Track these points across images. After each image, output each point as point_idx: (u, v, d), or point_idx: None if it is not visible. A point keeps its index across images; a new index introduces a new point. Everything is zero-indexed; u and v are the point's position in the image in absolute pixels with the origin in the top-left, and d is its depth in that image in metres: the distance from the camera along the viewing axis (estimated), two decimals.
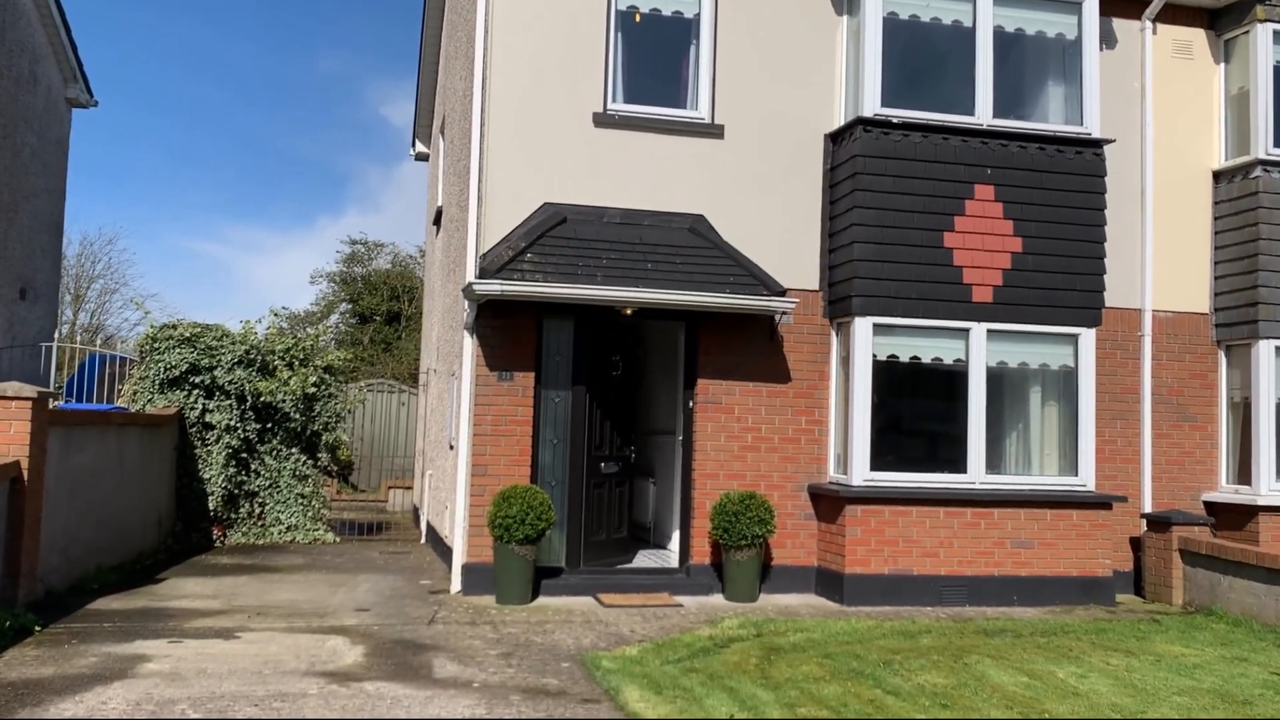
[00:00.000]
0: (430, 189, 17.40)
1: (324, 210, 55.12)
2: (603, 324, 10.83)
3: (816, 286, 10.99)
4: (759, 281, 10.30)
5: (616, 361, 11.13)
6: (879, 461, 10.48)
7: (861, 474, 10.38)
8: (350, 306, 28.38)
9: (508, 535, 9.61)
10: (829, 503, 10.60)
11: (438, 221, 15.37)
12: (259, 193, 49.22)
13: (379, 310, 27.54)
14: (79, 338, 28.02)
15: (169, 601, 9.34)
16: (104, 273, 31.25)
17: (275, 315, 15.07)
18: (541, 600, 9.91)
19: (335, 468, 14.65)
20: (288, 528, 14.21)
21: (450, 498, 11.56)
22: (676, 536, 12.23)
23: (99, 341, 28.18)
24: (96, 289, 31.73)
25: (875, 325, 10.54)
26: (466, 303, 10.20)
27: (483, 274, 9.70)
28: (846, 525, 10.30)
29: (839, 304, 10.76)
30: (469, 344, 10.42)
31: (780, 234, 10.86)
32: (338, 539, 14.36)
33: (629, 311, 10.30)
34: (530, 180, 10.38)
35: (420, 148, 17.84)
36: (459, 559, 10.26)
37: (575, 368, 10.52)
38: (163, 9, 48.37)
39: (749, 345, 10.79)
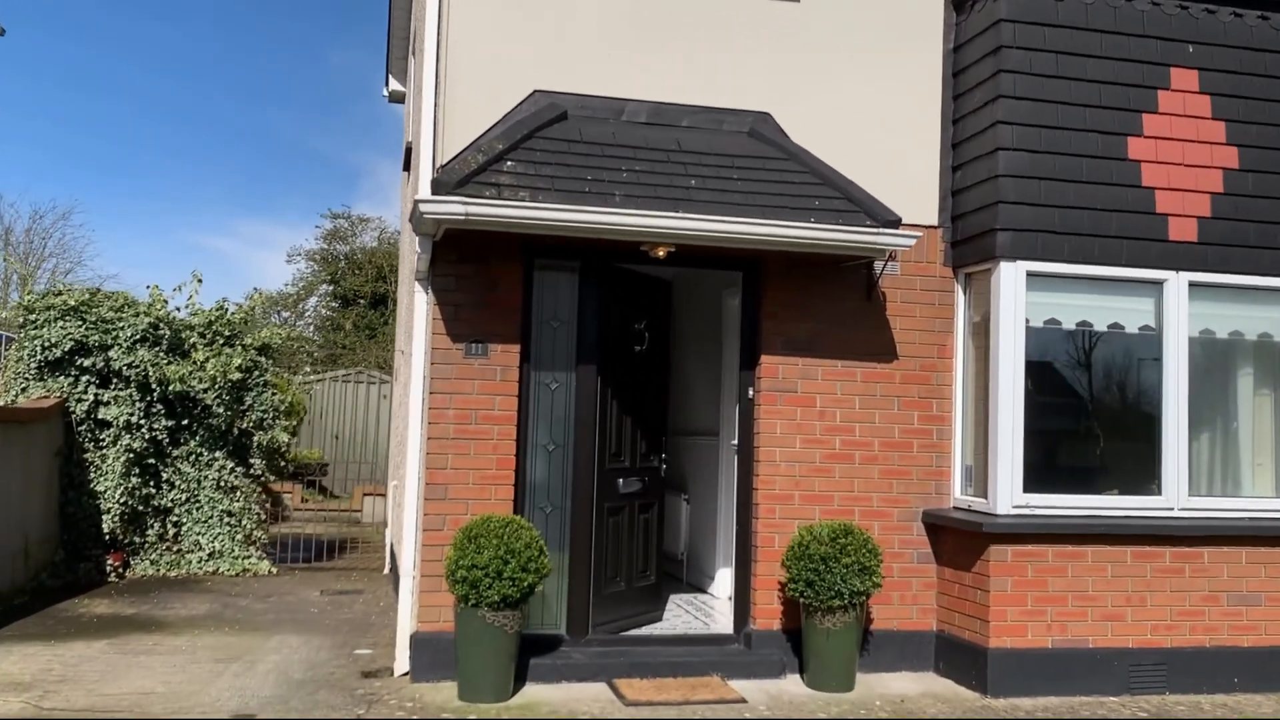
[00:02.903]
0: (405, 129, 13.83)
1: (335, 205, 51.92)
2: (621, 276, 7.24)
3: (934, 220, 7.33)
4: (858, 206, 6.65)
5: (641, 331, 7.51)
6: (1034, 479, 6.87)
7: (1010, 498, 6.75)
8: (331, 288, 24.70)
9: (476, 595, 6.02)
10: (958, 539, 6.98)
11: (407, 165, 11.74)
12: (269, 188, 45.98)
13: (363, 292, 23.82)
14: None
15: None
16: (56, 251, 27.57)
17: (250, 298, 11.42)
18: (530, 692, 6.29)
19: (271, 477, 11.02)
20: (209, 555, 10.60)
21: (401, 530, 7.95)
22: (723, 577, 8.56)
23: None
24: (48, 269, 28.08)
25: (1030, 275, 6.88)
26: (419, 241, 6.61)
27: (438, 188, 6.10)
28: (991, 575, 6.67)
29: (971, 244, 7.12)
30: (422, 303, 6.80)
31: (880, 142, 7.18)
32: (274, 569, 10.74)
33: (661, 253, 6.65)
34: (516, 57, 6.75)
35: (395, 85, 14.26)
36: (406, 625, 6.65)
37: (581, 339, 6.92)
38: (172, 9, 45.12)
39: (836, 307, 7.15)
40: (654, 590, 7.62)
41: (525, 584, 6.00)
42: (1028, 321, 6.86)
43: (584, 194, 6.20)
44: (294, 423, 16.73)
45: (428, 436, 6.55)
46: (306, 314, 25.04)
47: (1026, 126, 6.88)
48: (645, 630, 7.31)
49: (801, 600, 6.53)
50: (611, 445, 7.10)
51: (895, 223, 6.54)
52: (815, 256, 6.86)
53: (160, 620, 8.18)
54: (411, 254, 7.35)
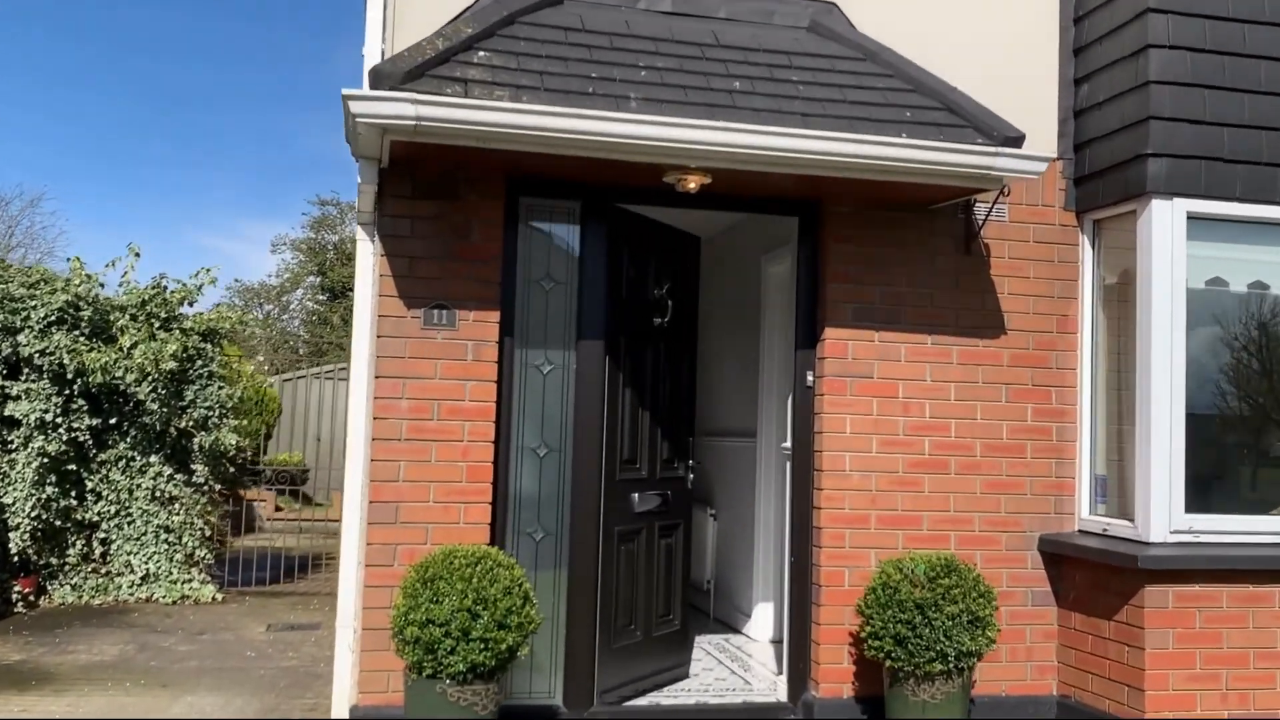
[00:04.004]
0: None
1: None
2: (637, 225, 5.42)
3: (1051, 150, 5.51)
4: (964, 119, 4.80)
5: (662, 299, 5.67)
6: (1197, 496, 5.01)
7: (1166, 520, 4.90)
8: (319, 280, 22.77)
9: (433, 664, 4.19)
10: (1093, 575, 5.10)
11: None
12: (276, 189, 44.18)
13: (353, 284, 21.91)
14: None
15: None
16: (25, 241, 25.64)
17: (196, 276, 9.45)
18: None
19: (216, 485, 9.16)
20: (142, 578, 8.76)
21: (340, 566, 6.09)
22: (763, 615, 6.70)
23: None
24: (14, 260, 26.04)
25: (1190, 217, 5.07)
26: (360, 168, 4.77)
27: (379, 80, 4.26)
28: (1146, 625, 4.81)
29: (1106, 179, 5.24)
30: (366, 255, 4.97)
31: (973, 46, 5.35)
32: (219, 595, 8.89)
33: (693, 184, 4.79)
34: None
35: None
36: (344, 695, 4.78)
37: (584, 306, 5.07)
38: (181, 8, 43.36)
39: (924, 265, 5.30)
40: (679, 639, 5.75)
41: (503, 647, 4.15)
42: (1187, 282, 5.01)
43: (587, 95, 4.34)
44: (267, 422, 14.90)
45: (372, 437, 4.70)
46: (292, 307, 23.14)
47: (1187, 16, 5.00)
48: (669, 695, 5.45)
49: (891, 662, 4.67)
50: (623, 448, 5.26)
51: (1017, 140, 4.66)
52: (897, 194, 5.00)
53: (48, 671, 6.33)
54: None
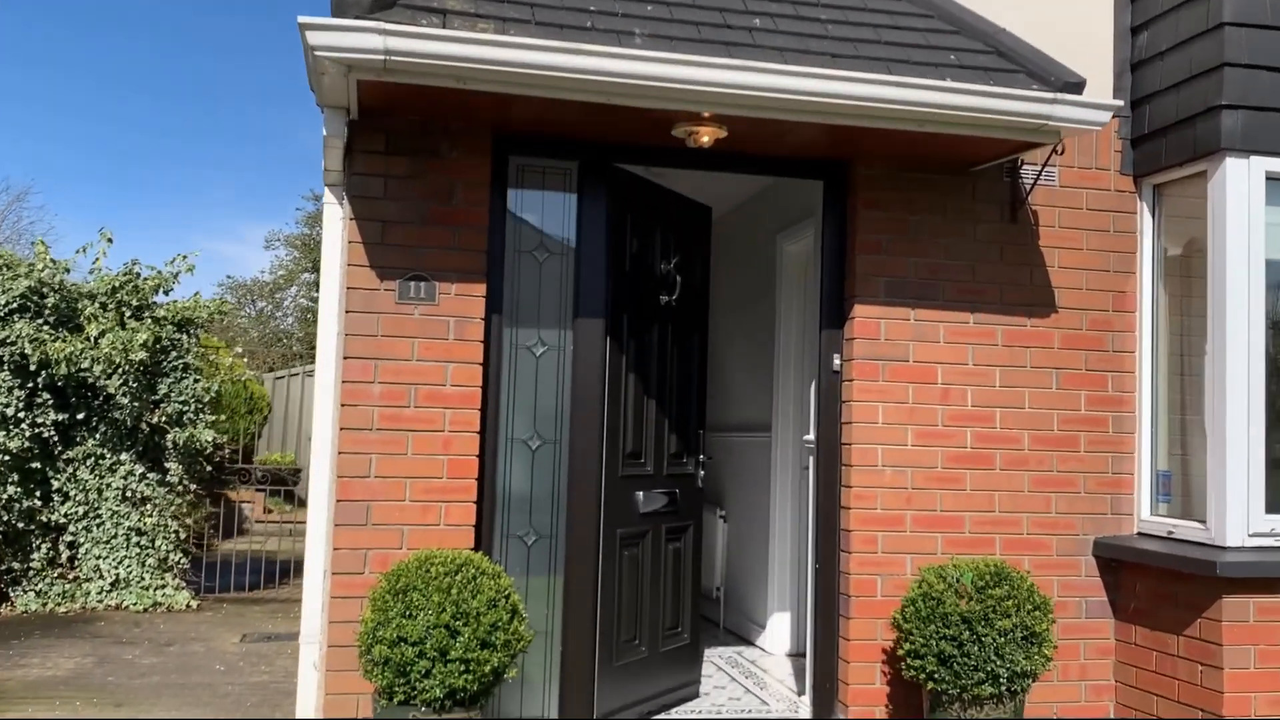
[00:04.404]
0: None
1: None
2: (642, 190, 4.82)
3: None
4: (1015, 63, 4.20)
5: (670, 274, 5.07)
6: (1278, 495, 4.42)
7: (1244, 521, 4.28)
8: (313, 276, 22.14)
9: (405, 688, 3.58)
10: (1158, 584, 4.45)
11: None
12: (273, 187, 43.47)
13: None
14: None
15: None
16: (12, 237, 24.90)
17: (173, 262, 8.79)
18: None
19: (191, 485, 8.55)
20: (112, 584, 8.17)
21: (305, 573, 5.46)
22: (779, 625, 6.09)
23: None
24: None
25: (1271, 177, 4.44)
26: (325, 118, 4.18)
27: (343, 8, 3.66)
28: (1225, 641, 4.18)
29: (1171, 137, 4.58)
30: (335, 219, 4.37)
31: None
32: (195, 602, 8.29)
33: (705, 138, 4.18)
34: None
35: None
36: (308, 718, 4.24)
37: (582, 279, 4.43)
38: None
39: (964, 233, 4.66)
40: (688, 654, 5.13)
41: (487, 669, 3.55)
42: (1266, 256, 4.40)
43: (585, 30, 3.75)
44: (256, 421, 14.32)
45: (340, 426, 4.10)
46: (285, 304, 22.51)
47: None
48: (678, 715, 4.84)
49: (929, 684, 4.06)
50: (627, 441, 4.65)
51: (1077, 86, 4.05)
52: (936, 152, 4.40)
53: None
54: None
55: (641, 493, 4.70)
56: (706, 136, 4.11)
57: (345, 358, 4.10)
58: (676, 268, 4.99)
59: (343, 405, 4.08)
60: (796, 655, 6.03)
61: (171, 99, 36.93)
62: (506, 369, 4.36)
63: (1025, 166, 4.65)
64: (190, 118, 37.02)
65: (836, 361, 4.62)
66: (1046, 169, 4.63)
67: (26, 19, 34.36)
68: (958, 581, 4.04)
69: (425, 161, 4.19)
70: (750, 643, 6.41)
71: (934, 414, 4.56)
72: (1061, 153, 4.50)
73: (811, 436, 4.84)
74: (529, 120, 4.16)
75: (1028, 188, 4.65)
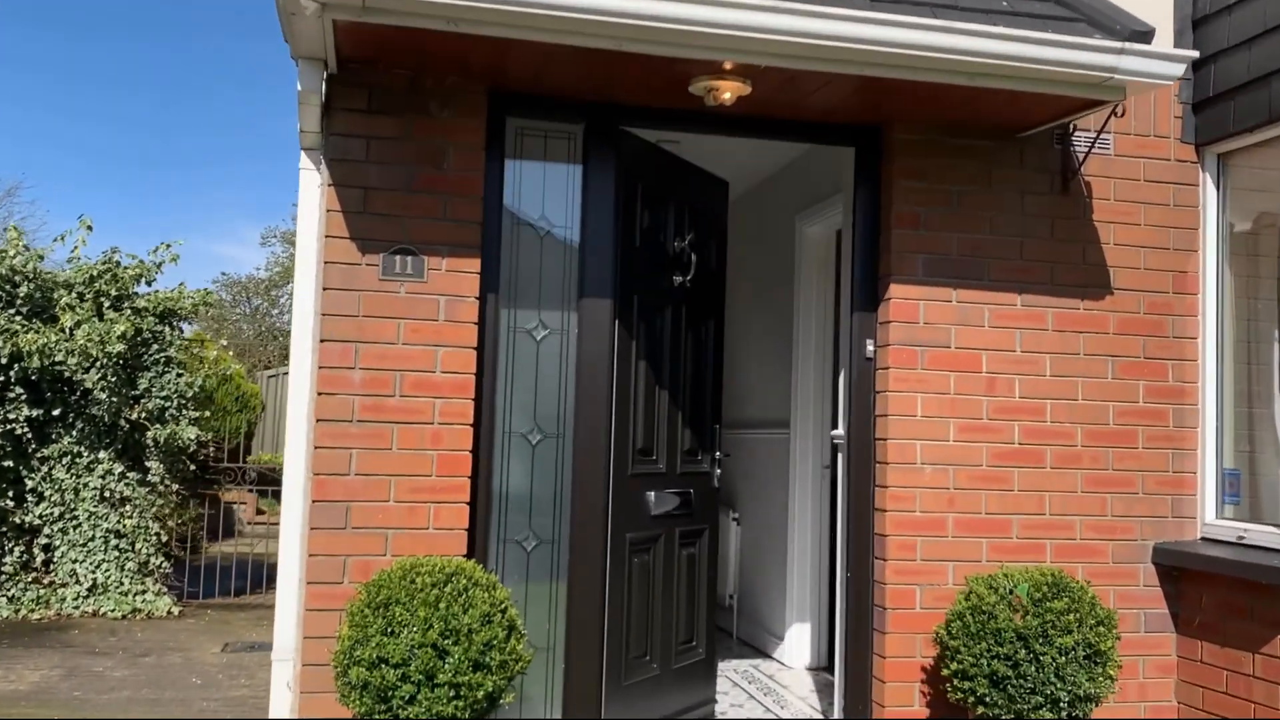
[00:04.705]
0: None
1: None
2: (655, 159, 4.36)
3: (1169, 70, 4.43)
4: (1073, 10, 3.76)
5: (684, 252, 4.61)
6: None
7: None
8: None
9: (387, 714, 3.12)
10: (1227, 594, 3.92)
11: None
12: (271, 187, 42.98)
13: None
14: None
15: None
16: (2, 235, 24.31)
17: (156, 250, 8.29)
18: None
19: (173, 485, 8.09)
20: (90, 589, 7.71)
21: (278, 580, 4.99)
22: (798, 636, 5.63)
23: None
24: None
25: None
26: (300, 71, 3.72)
27: None
28: None
29: (1238, 100, 4.06)
30: (312, 186, 3.93)
31: None
32: (176, 608, 7.83)
33: (726, 95, 3.74)
34: None
35: None
36: None
37: (589, 255, 3.94)
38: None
39: (1010, 206, 4.17)
40: (703, 670, 4.65)
41: (480, 694, 3.09)
42: None
43: None
44: (249, 419, 13.87)
45: (316, 418, 3.64)
46: (282, 301, 22.00)
47: None
48: None
49: (979, 708, 3.60)
50: (637, 436, 4.19)
51: (1145, 35, 3.60)
52: (983, 113, 3.94)
53: None
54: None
55: (653, 493, 4.24)
56: (729, 93, 3.65)
57: (322, 341, 3.64)
58: (691, 246, 4.53)
59: (319, 394, 3.62)
60: (818, 670, 5.57)
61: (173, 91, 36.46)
62: (504, 355, 3.91)
63: (1077, 133, 4.19)
64: (186, 113, 36.54)
65: (870, 348, 4.16)
66: (1102, 135, 4.17)
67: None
68: (1011, 593, 3.58)
69: (413, 122, 3.73)
70: (767, 655, 5.95)
71: (978, 406, 4.10)
72: (1121, 114, 4.04)
73: (840, 431, 4.38)
74: (528, 76, 3.70)
75: (1081, 156, 4.20)
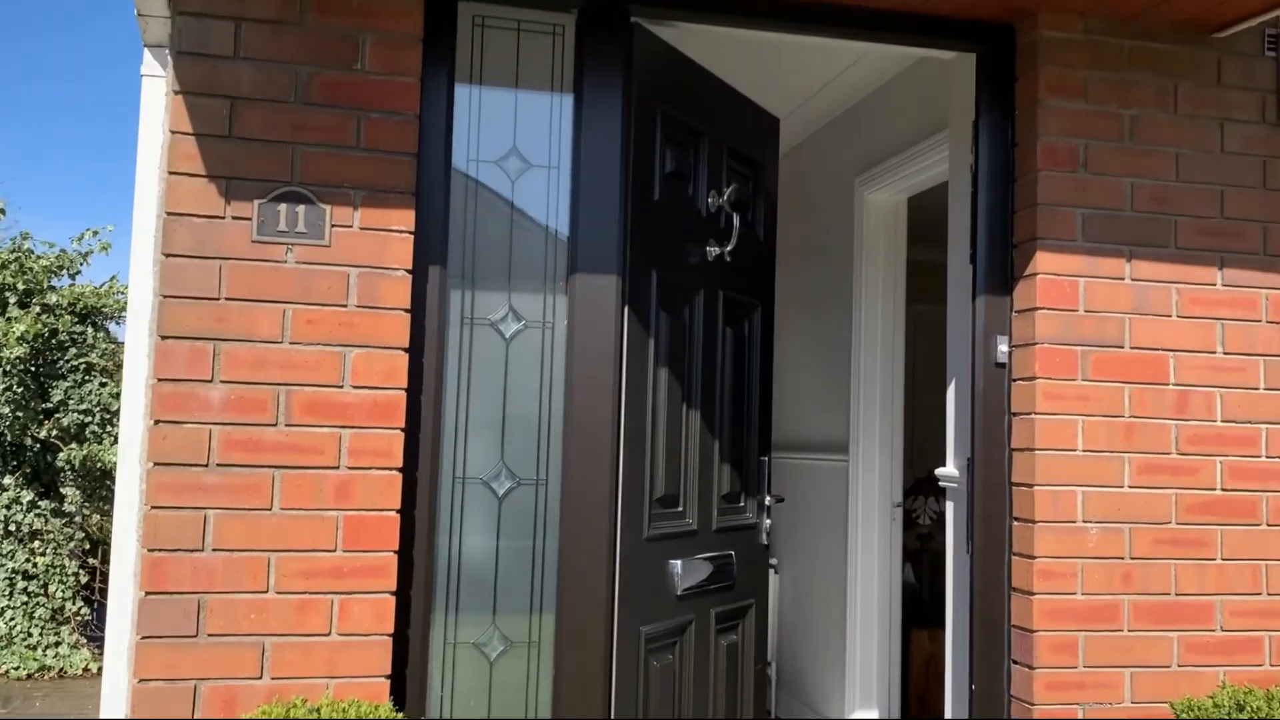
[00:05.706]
0: None
1: None
2: (678, 69, 3.02)
3: None
4: None
5: (721, 212, 3.25)
6: None
7: None
8: None
9: None
10: None
11: None
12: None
13: None
14: None
15: None
16: None
17: (80, 238, 7.01)
18: None
19: (95, 515, 6.75)
20: None
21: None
22: None
23: None
24: None
25: None
26: None
27: None
28: None
29: None
30: (154, 95, 2.59)
31: None
32: (96, 664, 6.46)
33: None
34: None
35: None
36: None
37: (584, 210, 2.54)
38: None
39: (1201, 137, 2.76)
40: None
41: None
42: None
43: None
44: None
45: (152, 460, 2.30)
46: None
47: None
48: None
49: None
50: (655, 480, 2.81)
51: None
52: (1156, 8, 2.60)
53: None
54: None
55: (680, 561, 2.86)
56: None
57: (162, 337, 2.28)
58: (732, 204, 3.16)
59: (155, 423, 2.26)
60: None
61: None
62: (453, 360, 2.54)
63: None
64: None
65: (1003, 348, 2.78)
66: None
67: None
68: None
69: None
70: None
71: (1165, 434, 2.72)
72: None
73: (951, 470, 3.01)
74: None
75: None
